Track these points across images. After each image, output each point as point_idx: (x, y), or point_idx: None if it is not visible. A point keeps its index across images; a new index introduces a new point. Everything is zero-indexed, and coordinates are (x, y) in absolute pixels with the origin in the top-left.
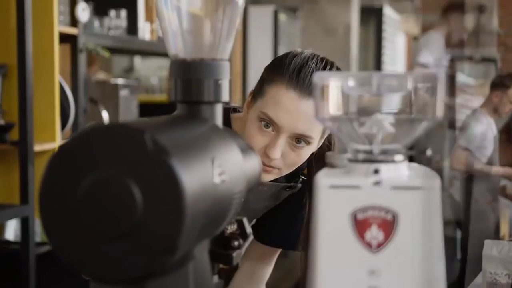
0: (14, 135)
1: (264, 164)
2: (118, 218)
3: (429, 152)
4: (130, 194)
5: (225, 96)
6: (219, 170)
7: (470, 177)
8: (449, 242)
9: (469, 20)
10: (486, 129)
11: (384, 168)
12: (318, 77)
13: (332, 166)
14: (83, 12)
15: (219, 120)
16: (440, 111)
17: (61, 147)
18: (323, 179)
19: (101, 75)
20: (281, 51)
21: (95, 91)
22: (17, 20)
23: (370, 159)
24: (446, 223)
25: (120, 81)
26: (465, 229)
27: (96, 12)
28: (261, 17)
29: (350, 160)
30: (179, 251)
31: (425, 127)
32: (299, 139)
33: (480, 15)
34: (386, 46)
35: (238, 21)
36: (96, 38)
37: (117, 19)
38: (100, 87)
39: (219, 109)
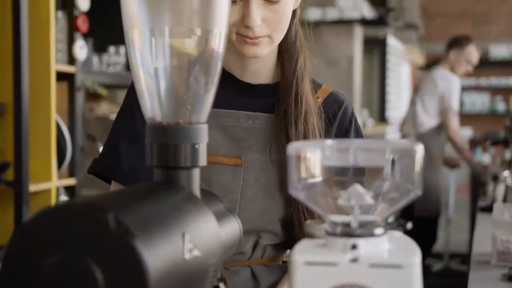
0: (9, 174)
1: (250, 38)
2: None
3: None
4: (92, 277)
5: (202, 161)
6: (190, 245)
7: None
8: None
9: None
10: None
11: (362, 243)
12: (292, 147)
13: (310, 236)
14: (81, 50)
15: (196, 185)
16: (419, 183)
17: (23, 227)
18: (299, 255)
19: (104, 106)
20: None
21: (94, 127)
22: (14, 58)
23: (348, 232)
24: None
25: None
26: None
27: (96, 48)
28: None
29: (328, 233)
30: None
31: (405, 200)
32: None
33: None
34: (391, 76)
35: (216, 83)
36: (94, 76)
37: (116, 55)
38: (100, 123)
39: (196, 174)
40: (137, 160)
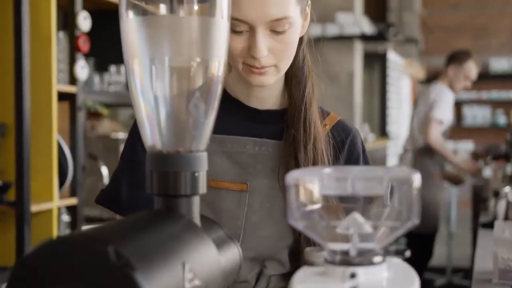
0: (11, 195)
1: (256, 67)
2: None
3: None
4: None
5: (202, 188)
6: (190, 275)
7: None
8: None
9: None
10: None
11: (361, 271)
12: (291, 176)
13: (310, 263)
14: (82, 70)
15: (196, 213)
16: (417, 211)
17: (24, 259)
18: (299, 284)
19: (106, 124)
20: None
21: (95, 146)
22: (16, 79)
23: (346, 261)
24: None
25: (121, 135)
26: None
27: (97, 67)
28: None
29: (327, 261)
30: None
31: (403, 229)
32: (278, 25)
33: None
34: (391, 90)
35: (215, 111)
36: (95, 95)
37: (117, 74)
38: (101, 142)
39: (196, 202)
40: (137, 191)
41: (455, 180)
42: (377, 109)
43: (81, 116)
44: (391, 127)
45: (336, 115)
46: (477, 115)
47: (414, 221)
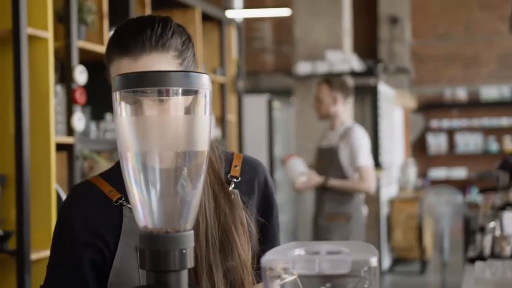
0: (11, 243)
1: None
2: None
3: None
4: None
5: (190, 263)
6: None
7: None
8: None
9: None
10: None
11: None
12: (266, 260)
13: None
14: (79, 121)
15: (184, 286)
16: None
17: None
18: None
19: (103, 166)
20: (276, 136)
21: None
22: (15, 131)
23: None
24: None
25: None
26: None
27: (93, 116)
28: (256, 105)
29: None
30: None
31: None
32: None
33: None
34: (383, 122)
35: (200, 194)
36: (92, 144)
37: (113, 122)
38: None
39: (184, 275)
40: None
41: None
42: (370, 140)
43: (78, 165)
44: (384, 157)
45: (238, 154)
46: (469, 142)
47: None
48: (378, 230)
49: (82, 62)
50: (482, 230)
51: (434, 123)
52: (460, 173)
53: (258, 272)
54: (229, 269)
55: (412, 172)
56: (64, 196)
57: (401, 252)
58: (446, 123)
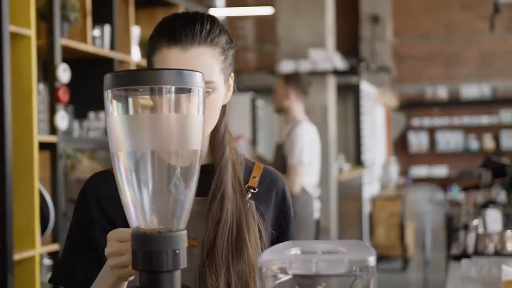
0: None
1: None
2: None
3: None
4: None
5: (183, 263)
6: None
7: None
8: None
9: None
10: None
11: None
12: (263, 260)
13: None
14: (62, 120)
15: (177, 286)
16: None
17: None
18: None
19: (85, 164)
20: (260, 134)
21: (77, 188)
22: None
23: None
24: None
25: None
26: None
27: (76, 115)
28: (239, 104)
29: None
30: None
31: None
32: None
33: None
34: (365, 120)
35: (193, 195)
36: (75, 142)
37: (96, 121)
38: (81, 184)
39: (177, 276)
40: (91, 269)
41: None
42: (352, 138)
43: (61, 164)
44: (366, 156)
45: (259, 164)
46: (450, 141)
47: None
48: (360, 228)
49: (65, 60)
50: (466, 227)
51: (415, 122)
52: (441, 171)
53: None
54: (238, 272)
55: (394, 170)
56: (47, 196)
57: (383, 249)
58: (427, 121)
